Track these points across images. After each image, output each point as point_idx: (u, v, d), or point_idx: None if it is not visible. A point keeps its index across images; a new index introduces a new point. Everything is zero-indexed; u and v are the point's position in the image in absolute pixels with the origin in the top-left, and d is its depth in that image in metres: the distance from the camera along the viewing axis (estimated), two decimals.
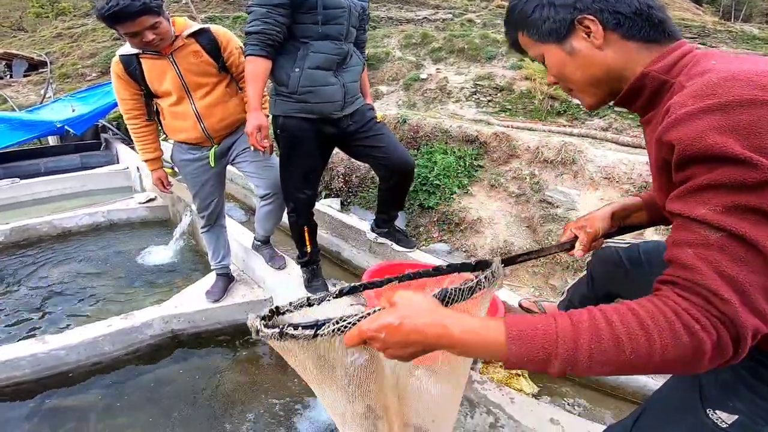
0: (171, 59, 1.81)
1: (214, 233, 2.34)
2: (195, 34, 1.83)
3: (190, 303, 2.33)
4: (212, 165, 2.06)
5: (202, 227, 2.33)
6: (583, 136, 3.48)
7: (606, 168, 2.63)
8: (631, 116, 4.89)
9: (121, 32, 1.63)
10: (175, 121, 1.94)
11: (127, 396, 1.96)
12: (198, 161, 2.07)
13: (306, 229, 2.05)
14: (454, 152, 3.02)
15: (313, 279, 2.16)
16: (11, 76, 12.04)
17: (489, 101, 6.31)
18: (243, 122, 1.97)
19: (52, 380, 2.00)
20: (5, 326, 2.41)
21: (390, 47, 8.24)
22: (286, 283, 2.39)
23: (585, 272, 1.48)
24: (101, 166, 5.07)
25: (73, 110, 5.98)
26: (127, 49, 1.81)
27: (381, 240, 2.54)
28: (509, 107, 5.55)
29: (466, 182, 2.82)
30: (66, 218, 3.53)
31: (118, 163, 5.19)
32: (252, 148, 1.81)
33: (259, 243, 2.52)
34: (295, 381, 2.06)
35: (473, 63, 7.49)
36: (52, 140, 6.56)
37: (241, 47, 1.89)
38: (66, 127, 5.45)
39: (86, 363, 2.07)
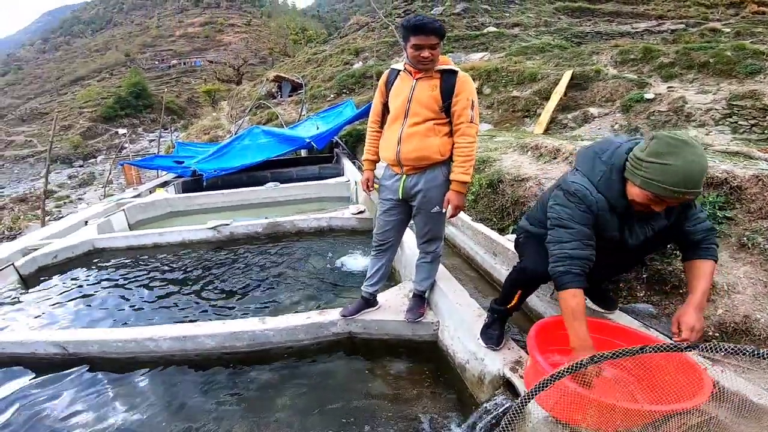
0: (413, 83, 2.03)
1: (377, 260, 2.47)
2: (444, 72, 2.01)
3: (368, 311, 2.57)
4: (400, 196, 2.23)
5: (372, 250, 2.49)
6: None
7: None
8: None
9: (412, 42, 1.92)
10: (386, 139, 2.18)
11: (297, 379, 2.25)
12: (390, 191, 2.31)
13: (520, 291, 1.92)
14: None
15: (492, 325, 2.05)
16: (281, 96, 15.63)
17: (752, 126, 5.09)
18: (431, 164, 2.10)
19: (257, 354, 2.42)
20: (236, 301, 3.16)
21: (600, 64, 7.37)
22: (456, 312, 2.38)
23: None
24: (332, 177, 6.20)
25: (318, 128, 7.48)
26: (397, 65, 2.16)
27: None
28: None
29: None
30: (301, 220, 4.55)
31: (343, 175, 6.23)
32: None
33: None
34: (444, 397, 2.08)
35: (724, 79, 6.07)
36: (303, 152, 8.30)
37: (473, 100, 2.00)
38: (312, 142, 6.88)
39: (282, 345, 2.46)
